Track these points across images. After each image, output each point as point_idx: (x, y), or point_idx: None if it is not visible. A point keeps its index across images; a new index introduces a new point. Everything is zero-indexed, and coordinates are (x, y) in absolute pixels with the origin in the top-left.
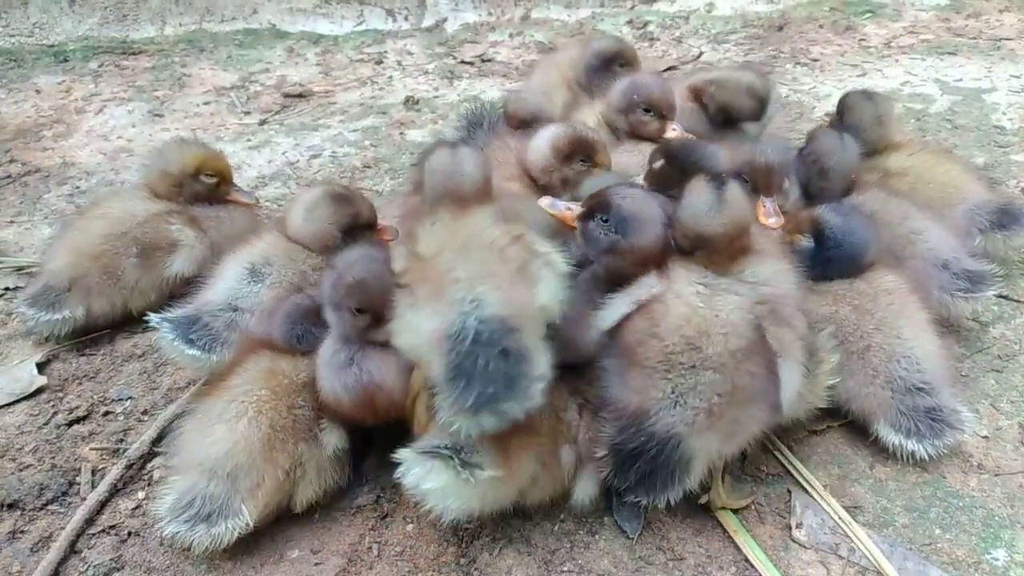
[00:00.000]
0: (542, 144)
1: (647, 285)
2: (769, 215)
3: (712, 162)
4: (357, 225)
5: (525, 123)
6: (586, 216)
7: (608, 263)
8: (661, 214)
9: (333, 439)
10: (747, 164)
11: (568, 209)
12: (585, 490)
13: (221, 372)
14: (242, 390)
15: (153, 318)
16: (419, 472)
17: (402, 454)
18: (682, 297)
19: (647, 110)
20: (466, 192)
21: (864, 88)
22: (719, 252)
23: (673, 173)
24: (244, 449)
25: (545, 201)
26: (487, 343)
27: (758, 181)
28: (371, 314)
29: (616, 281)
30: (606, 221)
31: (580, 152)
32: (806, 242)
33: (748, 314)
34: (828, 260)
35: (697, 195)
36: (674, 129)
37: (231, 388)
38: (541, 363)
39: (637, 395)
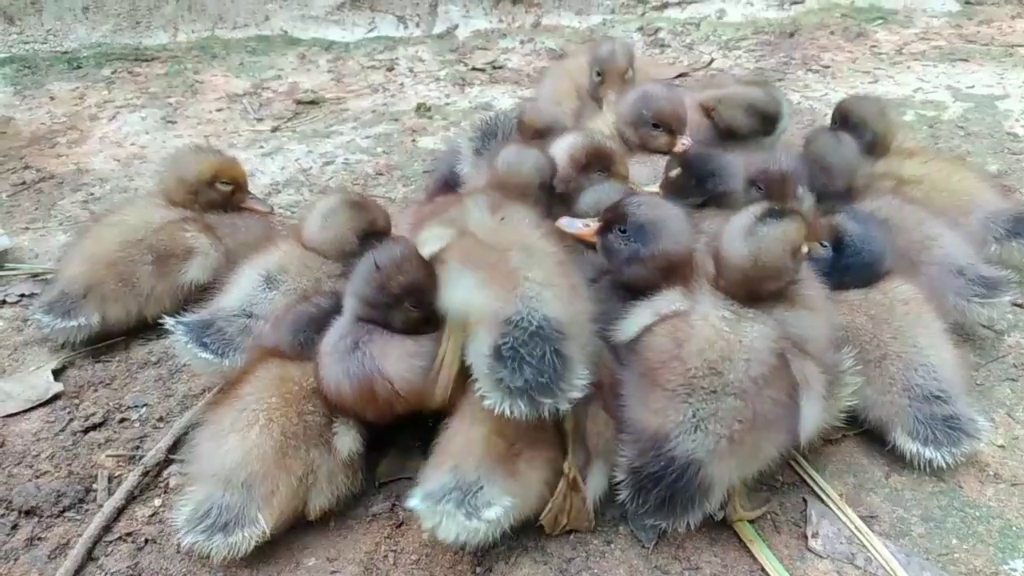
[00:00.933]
0: (559, 154)
1: (671, 299)
2: None
3: (729, 172)
4: (373, 232)
5: (540, 133)
6: (604, 230)
7: (632, 274)
8: (680, 217)
9: (347, 443)
10: (762, 172)
11: (586, 226)
12: (596, 486)
13: (232, 381)
14: (253, 398)
15: (168, 321)
16: (431, 523)
17: (412, 500)
18: (707, 319)
19: (656, 124)
20: (523, 187)
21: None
22: (742, 286)
23: (689, 182)
24: (257, 457)
25: (563, 221)
26: (547, 338)
27: (772, 189)
28: (423, 309)
29: (642, 292)
30: (624, 232)
31: (597, 163)
32: (824, 250)
33: (772, 343)
34: (846, 268)
35: (739, 219)
36: (683, 144)
37: (242, 397)
38: (582, 374)
39: (657, 417)
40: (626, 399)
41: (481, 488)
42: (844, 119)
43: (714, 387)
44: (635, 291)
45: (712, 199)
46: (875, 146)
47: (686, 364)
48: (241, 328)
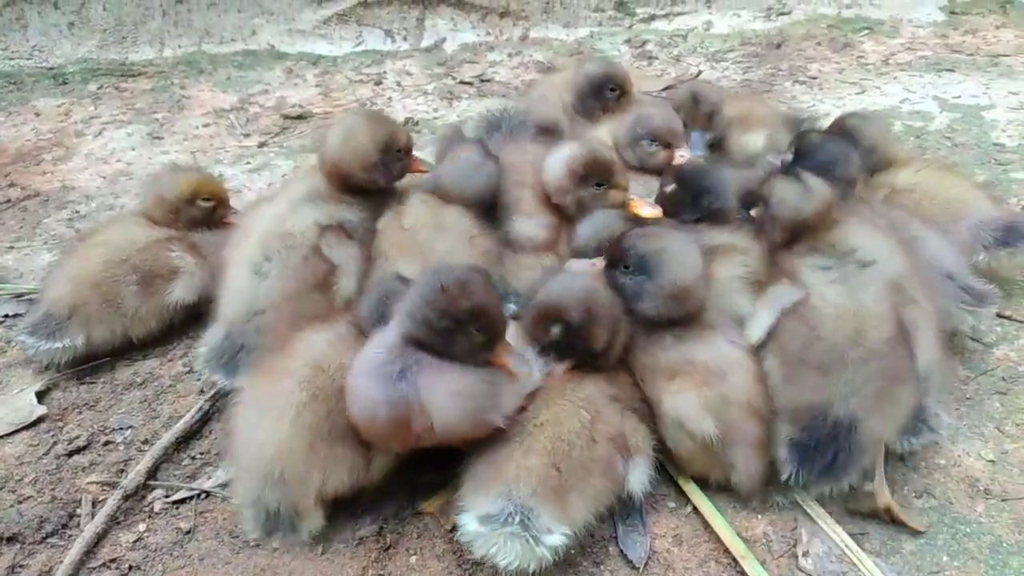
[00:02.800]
0: (558, 165)
1: (783, 294)
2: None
3: (723, 188)
4: (393, 147)
5: (545, 131)
6: (610, 268)
7: (646, 308)
8: (682, 243)
9: None
10: (750, 194)
11: (593, 265)
12: (639, 481)
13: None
14: (290, 383)
15: (199, 363)
16: (489, 547)
17: (467, 524)
18: (826, 298)
19: (652, 140)
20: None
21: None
22: (819, 230)
23: (685, 196)
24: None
25: (572, 264)
26: None
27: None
28: (488, 332)
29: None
30: (628, 268)
31: (596, 175)
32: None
33: (887, 303)
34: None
35: (785, 189)
36: (682, 156)
37: (279, 380)
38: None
39: (815, 393)
40: (773, 388)
41: (540, 515)
42: (850, 137)
43: (860, 355)
44: (660, 326)
45: (707, 215)
46: (878, 165)
47: (829, 341)
48: (256, 328)
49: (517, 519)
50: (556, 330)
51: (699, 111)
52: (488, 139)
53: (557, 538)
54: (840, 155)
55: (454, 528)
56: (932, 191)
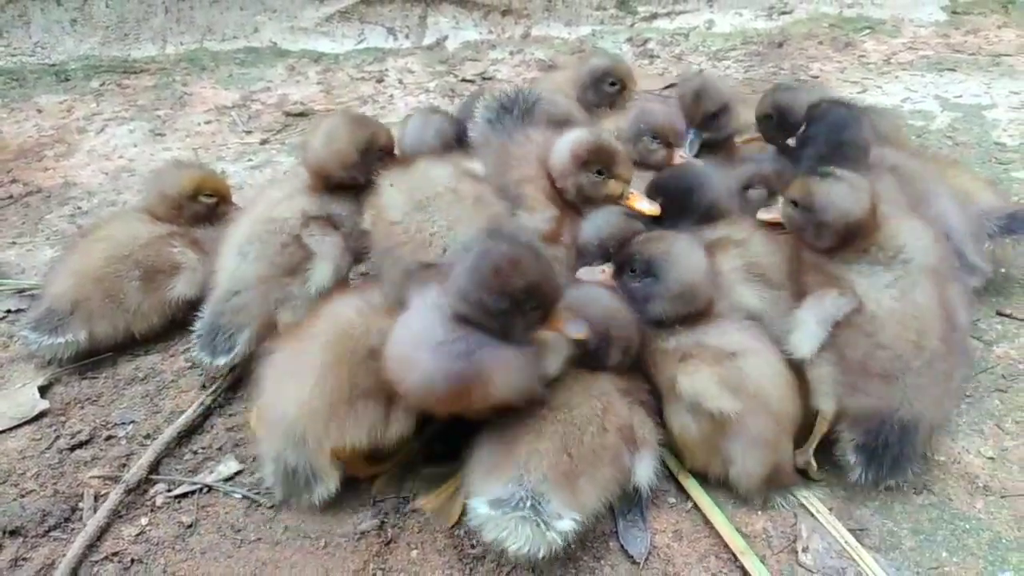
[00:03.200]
0: (563, 147)
1: (833, 304)
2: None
3: (704, 183)
4: (374, 147)
5: (555, 122)
6: (619, 274)
7: (657, 311)
8: (687, 245)
9: None
10: (757, 175)
11: (603, 272)
12: (645, 474)
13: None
14: (315, 346)
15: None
16: (501, 531)
17: (477, 508)
18: (882, 304)
19: (654, 137)
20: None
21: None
22: (869, 231)
23: (673, 205)
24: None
25: (581, 272)
26: None
27: (773, 186)
28: (544, 310)
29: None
30: (635, 272)
31: (598, 162)
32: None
33: (936, 296)
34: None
35: (829, 192)
36: (682, 156)
37: (305, 342)
38: None
39: (880, 400)
40: (825, 396)
41: (551, 500)
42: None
43: (923, 359)
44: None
45: (703, 215)
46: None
47: (890, 349)
48: (235, 308)
49: (528, 503)
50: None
51: (700, 109)
52: (498, 123)
53: (567, 524)
54: (853, 120)
55: (455, 525)
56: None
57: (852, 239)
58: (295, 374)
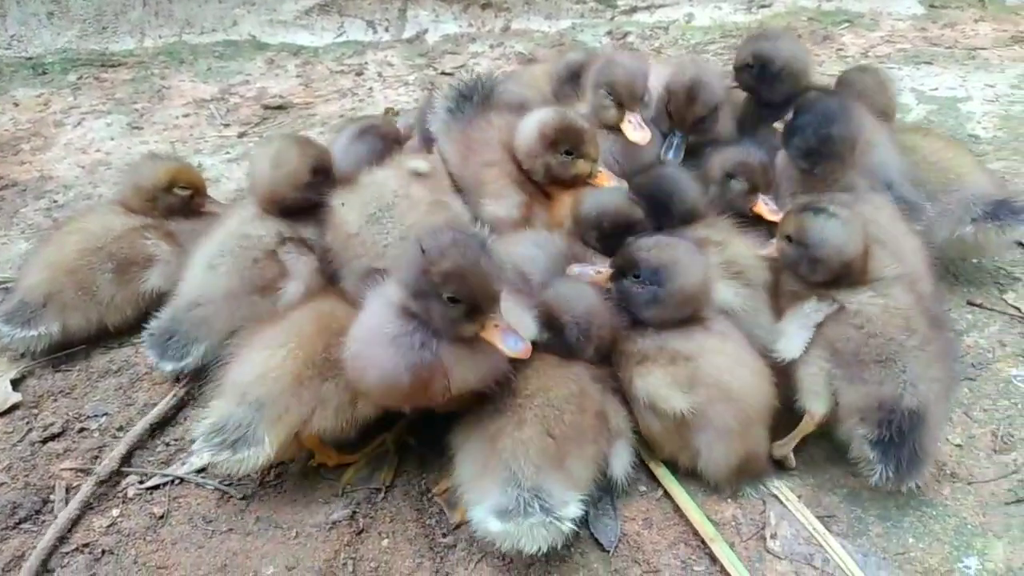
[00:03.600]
0: (530, 128)
1: (813, 310)
2: (772, 211)
3: (676, 191)
4: (325, 166)
5: (513, 109)
6: (618, 277)
7: (653, 315)
8: (691, 252)
9: None
10: (741, 165)
11: (598, 272)
12: (621, 465)
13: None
14: (292, 323)
15: (144, 340)
16: (515, 542)
17: (485, 522)
18: (864, 303)
19: (608, 93)
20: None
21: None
22: (863, 267)
23: (650, 211)
24: (275, 379)
25: (574, 269)
26: None
27: (756, 180)
28: (467, 304)
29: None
30: (639, 277)
31: (566, 141)
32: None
33: (915, 299)
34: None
35: (823, 229)
36: (629, 122)
37: (285, 319)
38: None
39: (881, 387)
40: (839, 390)
41: (551, 491)
42: (847, 90)
43: (916, 342)
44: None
45: (681, 219)
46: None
47: (884, 336)
48: (196, 320)
49: (536, 505)
50: (546, 334)
51: (691, 112)
52: (458, 111)
53: (573, 508)
54: (842, 113)
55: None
56: (932, 157)
57: (845, 275)
58: (267, 344)
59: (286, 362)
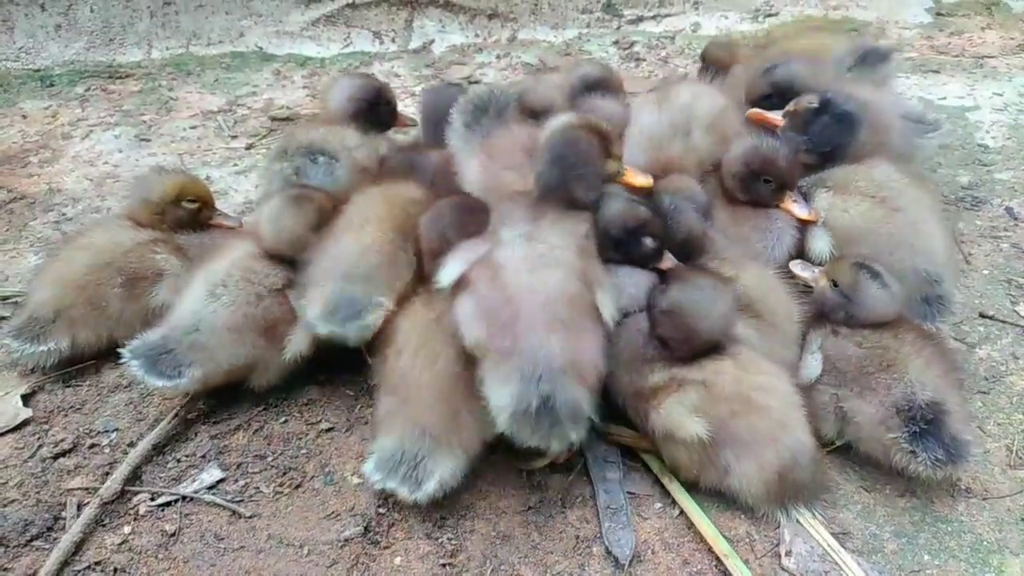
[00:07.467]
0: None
1: (819, 336)
2: (802, 208)
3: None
4: (326, 220)
5: (536, 114)
6: (650, 310)
7: (681, 349)
8: (713, 290)
9: None
10: (768, 163)
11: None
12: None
13: None
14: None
15: (124, 353)
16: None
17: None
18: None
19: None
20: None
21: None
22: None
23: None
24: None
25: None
26: None
27: (783, 177)
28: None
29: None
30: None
31: None
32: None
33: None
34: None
35: (875, 295)
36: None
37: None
38: None
39: (887, 389)
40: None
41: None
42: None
43: (910, 345)
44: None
45: (679, 248)
46: None
47: (879, 347)
48: (190, 345)
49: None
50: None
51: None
52: (475, 124)
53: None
54: (858, 125)
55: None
56: (805, 42)
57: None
58: (356, 226)
59: (376, 240)
